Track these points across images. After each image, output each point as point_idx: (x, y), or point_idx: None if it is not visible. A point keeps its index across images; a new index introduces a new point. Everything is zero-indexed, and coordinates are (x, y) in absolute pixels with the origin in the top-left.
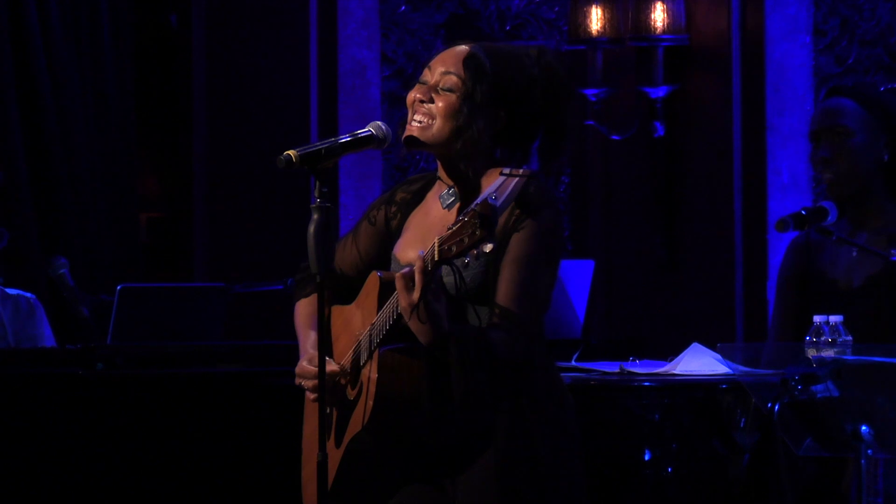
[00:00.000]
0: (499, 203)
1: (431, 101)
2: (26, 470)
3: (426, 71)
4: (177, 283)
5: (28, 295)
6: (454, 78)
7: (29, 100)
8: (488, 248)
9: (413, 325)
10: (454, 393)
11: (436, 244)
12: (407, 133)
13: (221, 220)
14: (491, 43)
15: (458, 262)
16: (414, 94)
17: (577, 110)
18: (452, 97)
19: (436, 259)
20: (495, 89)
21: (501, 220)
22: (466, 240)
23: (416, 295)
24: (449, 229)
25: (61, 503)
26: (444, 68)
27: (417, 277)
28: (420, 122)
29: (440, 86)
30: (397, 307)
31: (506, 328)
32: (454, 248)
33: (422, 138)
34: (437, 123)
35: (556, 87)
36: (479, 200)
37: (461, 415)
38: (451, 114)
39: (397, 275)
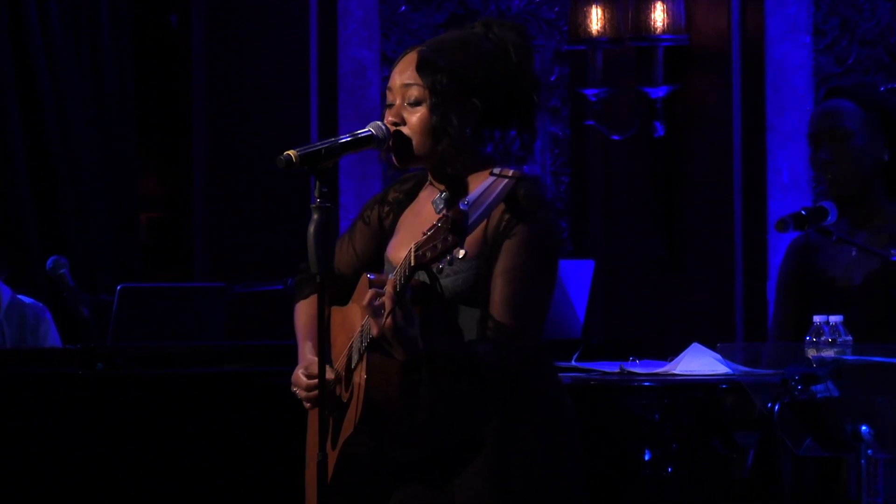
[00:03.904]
0: (478, 210)
1: (403, 121)
2: (26, 470)
3: (388, 93)
4: (177, 283)
5: (38, 305)
6: (416, 90)
7: (29, 100)
8: (461, 253)
9: (386, 345)
10: (419, 411)
11: (412, 250)
12: (395, 160)
13: (221, 220)
14: (435, 38)
15: (433, 268)
16: (387, 119)
17: (577, 110)
18: (421, 110)
19: (412, 264)
20: (459, 82)
21: (493, 223)
22: (440, 245)
23: (385, 320)
24: (424, 234)
25: (61, 503)
26: (402, 82)
27: (387, 303)
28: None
29: (406, 102)
30: (366, 339)
31: (496, 341)
32: (428, 254)
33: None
34: (416, 140)
35: (512, 54)
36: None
37: (431, 431)
38: (425, 127)
39: (365, 304)
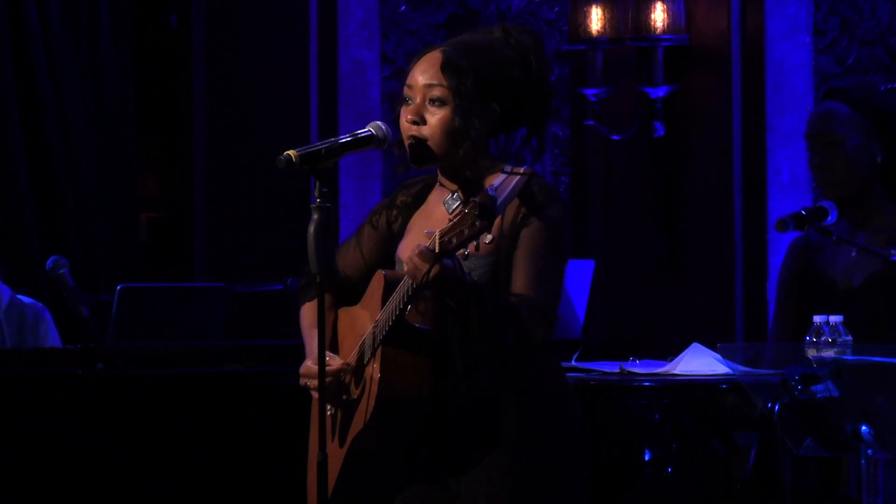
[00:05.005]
0: (500, 197)
1: (423, 120)
2: (26, 470)
3: (406, 89)
4: (177, 283)
5: (37, 305)
6: (439, 91)
7: (29, 100)
8: (488, 238)
9: (437, 287)
10: (432, 406)
11: (436, 236)
12: (410, 160)
13: (221, 220)
14: (456, 39)
15: (458, 255)
16: (404, 117)
17: (577, 110)
18: (443, 111)
19: (436, 251)
20: (480, 85)
21: (509, 217)
22: (466, 231)
23: (433, 265)
24: (450, 221)
25: (61, 503)
26: (425, 82)
27: (426, 254)
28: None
29: (428, 102)
30: (399, 303)
31: (526, 312)
32: (454, 240)
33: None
34: (435, 141)
35: (532, 61)
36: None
37: (442, 426)
38: (447, 128)
39: (407, 256)
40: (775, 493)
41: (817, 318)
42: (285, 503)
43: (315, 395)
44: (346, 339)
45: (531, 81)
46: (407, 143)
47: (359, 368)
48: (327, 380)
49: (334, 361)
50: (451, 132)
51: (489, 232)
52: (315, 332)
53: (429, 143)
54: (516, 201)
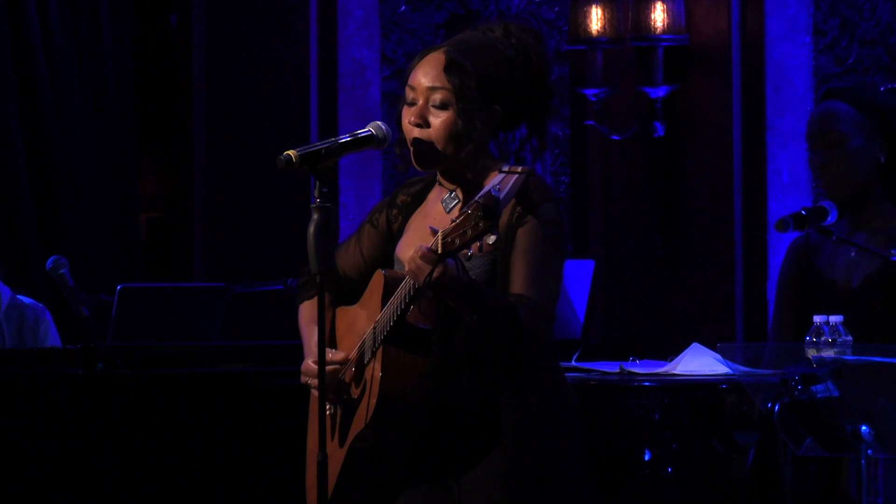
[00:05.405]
0: (501, 195)
1: (427, 123)
2: (26, 470)
3: (409, 90)
4: (177, 283)
5: (37, 305)
6: (442, 93)
7: (29, 100)
8: (492, 239)
9: (438, 290)
10: (433, 404)
11: (439, 237)
12: (414, 163)
13: (221, 220)
14: (458, 39)
15: (460, 256)
16: (406, 119)
17: (577, 110)
18: (447, 114)
19: (439, 252)
20: (484, 87)
21: (504, 216)
22: (470, 231)
23: (435, 268)
24: (453, 222)
25: (61, 503)
26: (428, 84)
27: (428, 256)
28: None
29: (431, 104)
30: (401, 303)
31: (524, 311)
32: (457, 241)
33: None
34: (440, 143)
35: (534, 60)
36: (481, 193)
37: (444, 423)
38: (451, 131)
39: (409, 256)
40: (775, 493)
41: (817, 318)
42: (285, 503)
43: (316, 392)
44: (344, 338)
45: (533, 82)
46: (410, 145)
47: (359, 368)
48: (329, 369)
49: (336, 355)
50: (454, 135)
51: (493, 233)
52: (314, 329)
53: (433, 145)
54: (512, 200)
